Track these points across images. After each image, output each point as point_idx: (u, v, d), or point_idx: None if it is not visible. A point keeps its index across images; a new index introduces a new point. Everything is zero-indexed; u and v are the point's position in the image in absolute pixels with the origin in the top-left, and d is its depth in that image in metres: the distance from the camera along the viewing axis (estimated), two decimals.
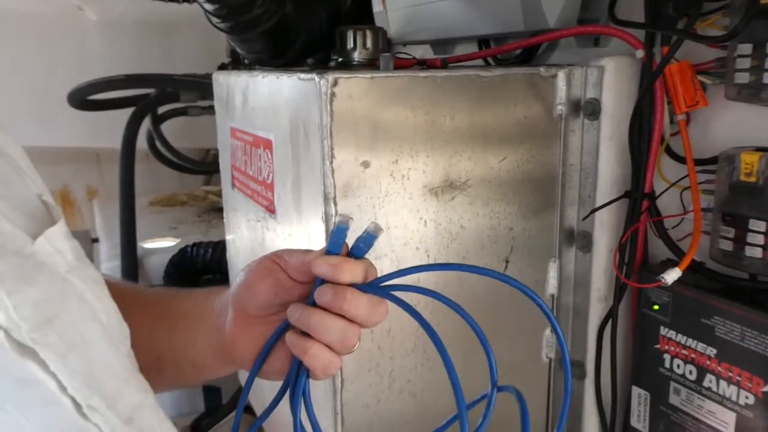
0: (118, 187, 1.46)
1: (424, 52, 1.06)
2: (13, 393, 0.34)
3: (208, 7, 0.79)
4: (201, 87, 1.49)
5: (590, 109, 0.69)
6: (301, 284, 0.50)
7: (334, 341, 0.48)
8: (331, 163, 0.61)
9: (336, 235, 0.46)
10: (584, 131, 0.71)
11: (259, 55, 0.90)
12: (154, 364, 0.56)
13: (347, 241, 0.49)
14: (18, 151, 0.49)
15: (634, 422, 0.73)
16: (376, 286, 0.47)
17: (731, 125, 0.64)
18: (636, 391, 0.72)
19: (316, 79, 0.60)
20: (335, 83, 0.59)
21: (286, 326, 0.50)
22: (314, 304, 0.48)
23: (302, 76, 0.63)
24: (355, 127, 0.61)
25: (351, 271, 0.46)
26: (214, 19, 0.79)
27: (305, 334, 0.48)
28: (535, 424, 0.79)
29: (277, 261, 0.51)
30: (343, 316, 0.47)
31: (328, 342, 0.48)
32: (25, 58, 1.47)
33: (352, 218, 0.47)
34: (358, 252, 0.48)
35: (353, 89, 0.61)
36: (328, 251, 0.47)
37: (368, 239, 0.47)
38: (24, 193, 0.46)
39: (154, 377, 0.57)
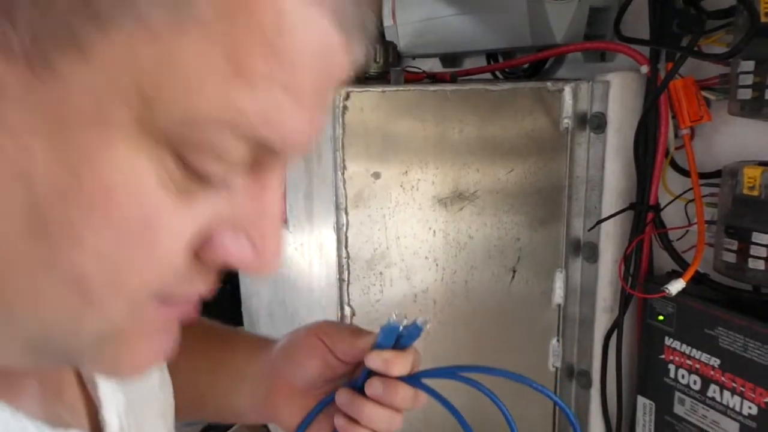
0: None
1: (432, 65, 1.07)
2: None
3: None
4: None
5: (596, 123, 0.71)
6: (346, 364, 0.51)
7: (380, 429, 0.49)
8: (343, 174, 0.62)
9: (389, 332, 0.46)
10: (590, 144, 0.72)
11: None
12: (198, 402, 0.57)
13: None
14: None
15: (639, 431, 0.74)
16: (418, 380, 0.48)
17: (734, 140, 0.65)
18: (641, 400, 0.73)
19: None
20: (347, 97, 0.61)
21: (331, 400, 0.52)
22: (361, 389, 0.49)
23: None
24: (367, 139, 0.63)
25: (402, 365, 0.47)
26: None
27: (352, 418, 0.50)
28: None
29: (324, 340, 0.51)
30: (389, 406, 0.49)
31: (375, 429, 0.49)
32: None
33: (406, 316, 0.47)
34: (405, 343, 0.48)
35: (365, 102, 0.62)
36: (380, 344, 0.47)
37: (415, 331, 0.47)
38: None
39: (193, 413, 0.58)
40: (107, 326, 0.25)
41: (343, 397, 0.50)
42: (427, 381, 0.48)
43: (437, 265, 0.69)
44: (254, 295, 0.98)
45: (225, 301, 1.40)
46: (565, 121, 0.72)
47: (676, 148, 0.68)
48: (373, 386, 0.47)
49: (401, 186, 0.65)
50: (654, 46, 0.66)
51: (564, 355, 0.78)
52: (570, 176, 0.73)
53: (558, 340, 0.78)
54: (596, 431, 0.77)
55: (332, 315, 0.67)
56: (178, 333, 0.30)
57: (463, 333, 0.73)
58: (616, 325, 0.73)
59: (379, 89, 0.63)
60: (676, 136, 0.68)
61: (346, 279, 0.65)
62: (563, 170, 0.73)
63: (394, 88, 0.64)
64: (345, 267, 0.65)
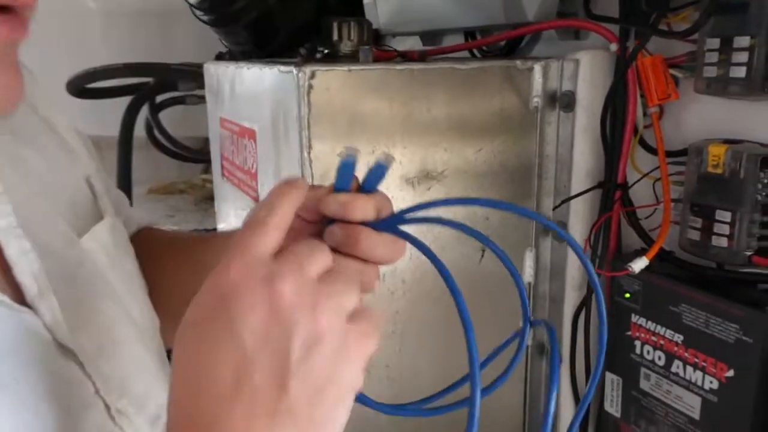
0: (116, 174, 1.49)
1: (414, 43, 1.07)
2: (60, 391, 0.35)
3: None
4: (198, 76, 1.50)
5: (566, 102, 0.71)
6: (311, 224, 0.44)
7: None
8: (309, 153, 0.62)
9: (343, 171, 0.41)
10: (560, 123, 0.72)
11: (244, 47, 0.92)
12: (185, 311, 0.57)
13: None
14: (70, 130, 0.50)
15: (607, 407, 0.75)
16: (388, 223, 0.42)
17: (701, 118, 0.65)
18: (609, 376, 0.74)
19: (294, 71, 0.61)
20: (313, 75, 0.61)
21: None
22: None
23: (282, 68, 0.65)
24: (333, 118, 0.63)
25: (362, 209, 0.41)
26: (197, 12, 0.80)
27: None
28: (512, 409, 0.81)
29: None
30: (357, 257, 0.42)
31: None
32: (22, 46, 1.48)
33: (358, 150, 0.41)
34: (369, 187, 0.42)
35: (331, 81, 0.62)
36: (337, 189, 0.42)
37: (378, 171, 0.41)
38: (75, 181, 0.47)
39: None
40: None
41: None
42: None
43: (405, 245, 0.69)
44: None
45: None
46: (535, 99, 0.72)
47: (645, 127, 0.68)
48: (331, 233, 0.41)
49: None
50: (623, 24, 0.65)
51: (534, 333, 0.79)
52: (540, 155, 0.74)
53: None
54: (567, 407, 0.79)
55: None
56: (20, 70, 0.32)
57: (434, 312, 0.73)
58: (585, 303, 0.73)
59: (345, 68, 0.63)
60: (644, 114, 0.68)
61: None
62: (533, 149, 0.73)
63: (360, 67, 0.64)
64: None
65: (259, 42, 0.89)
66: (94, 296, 0.42)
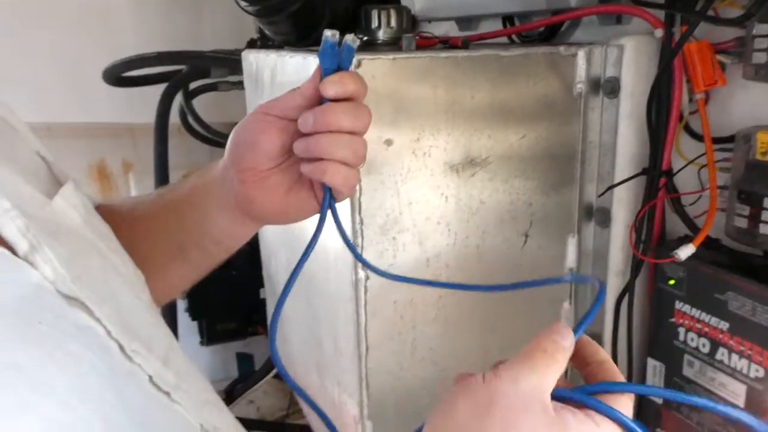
0: (153, 161, 1.51)
1: (448, 28, 1.07)
2: (74, 335, 0.35)
3: None
4: (230, 63, 1.51)
5: (610, 88, 0.71)
6: (285, 120, 0.52)
7: (347, 156, 0.50)
8: None
9: (328, 52, 0.49)
10: (604, 109, 0.72)
11: (286, 36, 0.92)
12: (178, 255, 0.59)
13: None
14: (9, 111, 0.50)
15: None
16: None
17: (749, 104, 0.65)
18: (651, 362, 0.74)
19: None
20: (358, 64, 0.62)
21: None
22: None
23: None
24: (378, 106, 0.63)
25: (354, 81, 0.50)
26: (243, 3, 0.81)
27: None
28: None
29: (269, 112, 0.52)
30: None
31: (342, 158, 0.50)
32: (57, 37, 1.51)
33: (337, 31, 0.50)
34: (345, 66, 0.50)
35: (376, 69, 0.63)
36: (326, 69, 0.50)
37: (349, 52, 0.50)
38: (28, 154, 0.48)
39: (180, 266, 0.60)
40: None
41: (299, 143, 0.51)
42: None
43: (449, 230, 0.70)
44: (273, 257, 1.00)
45: (245, 264, 1.43)
46: (579, 86, 0.71)
47: (690, 113, 0.68)
48: (331, 111, 0.49)
49: (413, 153, 0.66)
50: (668, 9, 0.65)
51: (576, 318, 0.79)
52: (583, 141, 0.74)
53: (570, 304, 0.79)
54: None
55: (347, 278, 0.69)
56: None
57: (476, 297, 0.74)
58: (628, 289, 0.73)
59: (390, 56, 0.63)
60: (690, 100, 0.67)
61: (359, 244, 0.66)
62: (576, 135, 0.73)
63: (405, 55, 0.64)
64: (359, 232, 0.66)
65: (301, 32, 0.90)
66: (80, 252, 0.42)
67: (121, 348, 0.38)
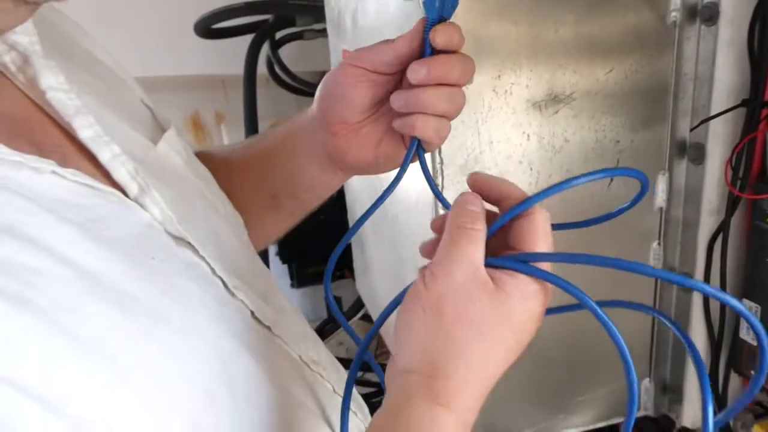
0: (243, 111, 1.56)
1: None
2: (183, 272, 0.38)
3: None
4: (315, 10, 1.52)
5: (708, 14, 0.66)
6: (389, 75, 0.50)
7: (447, 108, 0.48)
8: None
9: (434, 1, 0.46)
10: (700, 38, 0.68)
11: None
12: (271, 203, 0.60)
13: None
14: (114, 61, 0.53)
15: (743, 335, 0.73)
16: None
17: None
18: (747, 303, 0.71)
19: None
20: None
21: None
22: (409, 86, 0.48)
23: None
24: None
25: (460, 32, 0.47)
26: None
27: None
28: (639, 336, 0.81)
29: (359, 64, 0.50)
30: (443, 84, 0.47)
31: (443, 111, 0.48)
32: None
33: None
34: (447, 15, 0.47)
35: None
36: (432, 19, 0.47)
37: (453, 2, 0.46)
38: (134, 102, 0.51)
39: (274, 214, 0.62)
40: None
41: (396, 98, 0.49)
42: None
43: (531, 169, 0.69)
44: (357, 202, 1.03)
45: (333, 209, 1.47)
46: (673, 13, 0.67)
47: None
48: (415, 71, 0.46)
49: (494, 90, 0.65)
50: None
51: (666, 259, 0.77)
52: (677, 73, 0.70)
53: (659, 243, 0.76)
54: (698, 334, 0.77)
55: (428, 218, 0.70)
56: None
57: (560, 237, 0.73)
58: (722, 228, 0.70)
59: None
60: None
61: (440, 184, 0.67)
62: (669, 67, 0.69)
63: None
64: (439, 172, 0.66)
65: None
66: (185, 194, 0.44)
67: (225, 284, 0.41)
